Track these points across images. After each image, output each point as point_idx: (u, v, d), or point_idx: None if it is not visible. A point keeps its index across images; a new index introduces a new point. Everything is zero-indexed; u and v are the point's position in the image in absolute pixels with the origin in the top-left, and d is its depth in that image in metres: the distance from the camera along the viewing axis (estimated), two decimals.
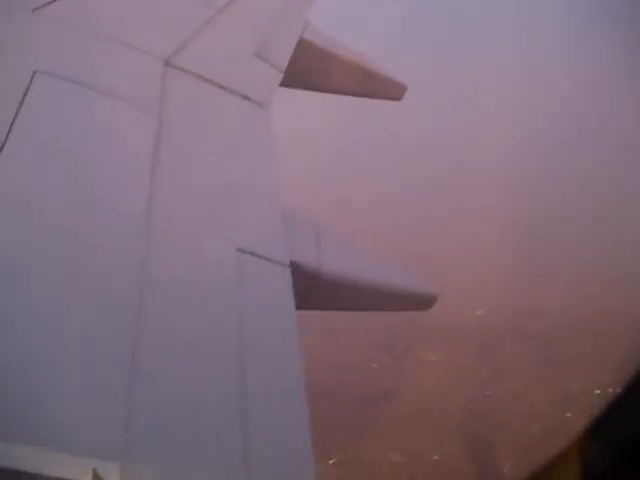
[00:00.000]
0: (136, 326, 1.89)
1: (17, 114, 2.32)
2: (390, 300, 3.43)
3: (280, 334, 2.29)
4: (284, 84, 3.95)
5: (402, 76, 5.82)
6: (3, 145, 2.16)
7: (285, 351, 2.23)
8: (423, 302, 3.56)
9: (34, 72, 2.56)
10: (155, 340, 1.92)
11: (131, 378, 1.75)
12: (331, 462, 8.76)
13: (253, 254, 2.46)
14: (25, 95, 2.42)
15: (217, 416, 1.87)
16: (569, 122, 15.36)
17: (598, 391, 8.86)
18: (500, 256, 11.91)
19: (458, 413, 9.94)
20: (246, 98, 3.40)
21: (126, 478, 1.51)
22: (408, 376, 10.53)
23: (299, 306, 2.47)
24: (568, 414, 9.12)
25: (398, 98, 5.87)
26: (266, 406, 1.98)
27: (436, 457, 9.28)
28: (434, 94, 15.18)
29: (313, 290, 2.83)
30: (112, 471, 1.50)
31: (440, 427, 9.73)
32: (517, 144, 14.66)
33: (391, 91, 5.81)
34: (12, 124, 2.26)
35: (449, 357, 10.78)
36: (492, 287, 11.44)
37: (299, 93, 5.14)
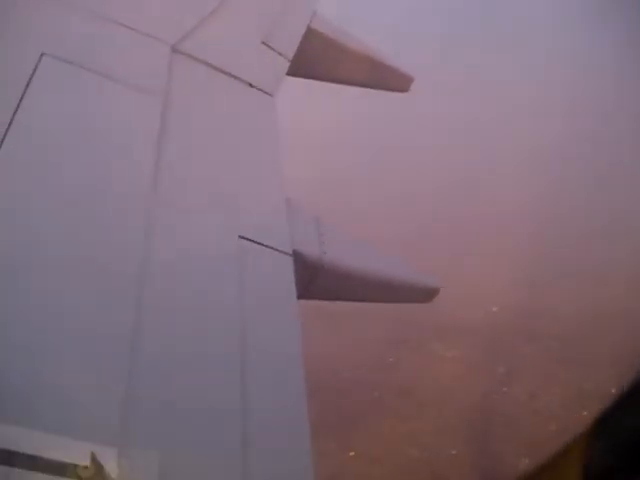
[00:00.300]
0: (137, 313, 1.89)
1: (23, 96, 2.31)
2: (392, 291, 3.43)
3: (281, 322, 2.30)
4: (291, 73, 3.94)
5: (411, 69, 5.82)
6: (9, 127, 2.16)
7: (286, 340, 2.23)
8: (425, 294, 3.57)
9: (41, 55, 2.56)
10: (156, 327, 1.92)
11: (131, 364, 1.75)
12: (351, 454, 8.83)
13: (256, 242, 2.46)
14: (31, 78, 2.42)
15: (216, 402, 1.88)
16: (583, 121, 15.30)
17: (614, 390, 8.83)
18: (516, 254, 11.88)
19: (474, 410, 9.94)
20: (252, 86, 3.39)
21: (124, 462, 1.52)
22: (423, 371, 10.54)
23: (300, 295, 2.47)
24: (584, 412, 9.10)
25: (405, 89, 5.86)
26: (266, 395, 1.99)
27: (454, 451, 9.32)
28: (448, 91, 15.15)
29: (315, 280, 2.83)
30: (110, 455, 1.50)
31: (455, 423, 9.75)
32: (532, 144, 14.61)
33: (398, 82, 5.80)
34: (18, 106, 2.26)
35: (464, 354, 10.78)
36: (507, 285, 11.43)
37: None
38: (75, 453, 1.47)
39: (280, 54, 3.89)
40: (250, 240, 2.44)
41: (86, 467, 1.46)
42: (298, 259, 2.58)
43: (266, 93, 3.42)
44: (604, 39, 15.56)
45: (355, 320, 10.17)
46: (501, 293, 11.37)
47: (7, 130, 2.15)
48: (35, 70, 2.46)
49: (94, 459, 1.47)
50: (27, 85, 2.37)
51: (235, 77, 3.35)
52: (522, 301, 11.32)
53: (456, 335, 10.94)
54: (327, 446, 8.28)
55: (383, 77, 5.72)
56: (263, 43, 3.87)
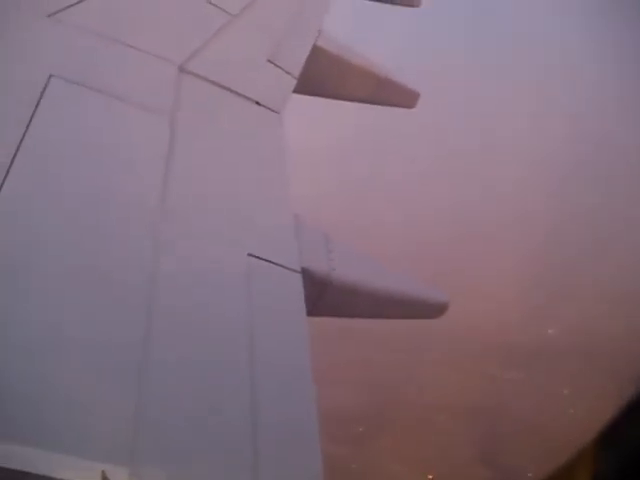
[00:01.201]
0: (146, 330, 1.89)
1: (32, 117, 2.33)
2: (401, 307, 3.42)
3: (291, 340, 2.29)
4: (298, 91, 3.96)
5: (418, 86, 5.84)
6: (18, 148, 2.18)
7: (296, 357, 2.22)
8: (434, 310, 3.55)
9: (49, 76, 2.58)
10: (165, 344, 1.92)
11: (140, 382, 1.75)
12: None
13: (264, 260, 2.46)
14: (40, 99, 2.44)
15: (227, 421, 1.87)
16: (587, 139, 15.30)
17: None
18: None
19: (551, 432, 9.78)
20: (259, 104, 3.40)
21: None
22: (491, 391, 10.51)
23: (309, 312, 2.46)
24: None
25: (411, 106, 5.88)
26: (277, 412, 1.98)
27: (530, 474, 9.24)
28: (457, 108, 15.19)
29: (323, 297, 2.82)
30: (121, 475, 1.50)
31: (540, 443, 9.65)
32: (541, 158, 14.62)
33: (404, 98, 5.82)
34: (28, 127, 2.28)
35: (530, 376, 10.71)
36: (565, 307, 11.37)
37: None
38: (86, 473, 1.47)
39: (286, 72, 3.91)
40: (259, 258, 2.44)
41: None
42: (307, 276, 2.58)
43: (273, 111, 3.44)
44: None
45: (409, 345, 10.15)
46: (554, 316, 11.30)
47: (17, 151, 2.16)
48: (44, 91, 2.49)
49: (105, 478, 1.47)
50: (36, 106, 2.39)
51: (242, 95, 3.37)
52: (574, 322, 11.26)
53: (517, 356, 10.88)
54: None
55: (389, 93, 5.74)
56: (269, 61, 3.89)
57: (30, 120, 2.32)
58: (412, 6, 6.74)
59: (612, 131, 15.15)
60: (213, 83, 3.30)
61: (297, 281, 2.49)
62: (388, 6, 6.91)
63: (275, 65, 3.89)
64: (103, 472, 1.47)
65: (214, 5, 4.06)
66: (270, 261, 2.47)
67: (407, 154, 14.45)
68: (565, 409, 10.26)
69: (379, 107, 6.00)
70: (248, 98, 3.39)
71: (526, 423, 10.18)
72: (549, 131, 15.50)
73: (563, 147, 14.91)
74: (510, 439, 9.92)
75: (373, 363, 10.63)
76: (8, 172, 2.07)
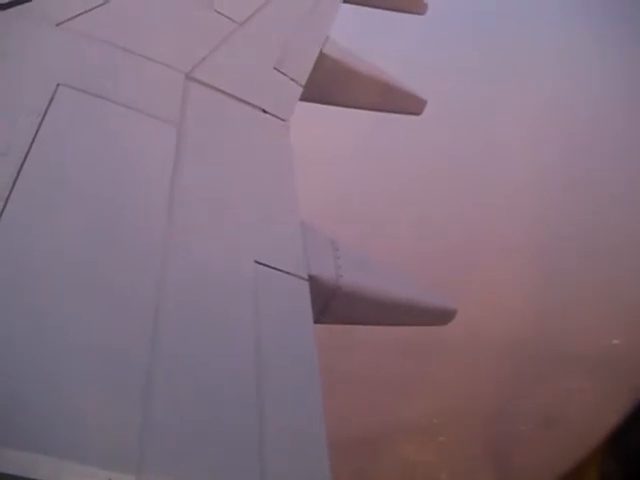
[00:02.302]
0: (153, 337, 1.89)
1: (40, 126, 2.34)
2: (408, 314, 3.41)
3: (299, 348, 2.28)
4: (304, 98, 3.96)
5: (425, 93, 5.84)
6: (27, 156, 2.18)
7: (304, 366, 2.22)
8: (442, 316, 3.54)
9: (57, 85, 2.59)
10: (171, 352, 1.92)
11: (147, 389, 1.75)
12: None
13: (272, 267, 2.45)
14: (48, 107, 2.45)
15: (233, 430, 1.86)
16: (596, 142, 15.27)
17: None
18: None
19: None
20: (265, 111, 3.41)
21: None
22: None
23: (317, 320, 2.46)
24: None
25: (418, 113, 5.88)
26: (284, 421, 1.97)
27: None
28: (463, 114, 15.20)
29: (331, 304, 2.82)
30: None
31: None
32: (546, 166, 14.60)
33: (411, 105, 5.82)
34: (35, 136, 2.29)
35: (593, 385, 10.69)
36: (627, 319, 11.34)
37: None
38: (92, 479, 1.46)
39: (293, 80, 3.92)
40: (266, 265, 2.44)
41: None
42: (314, 283, 2.57)
43: (280, 119, 3.44)
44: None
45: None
46: (622, 326, 11.26)
47: (25, 159, 2.17)
48: (52, 100, 2.50)
49: None
50: (44, 114, 2.40)
51: (248, 103, 3.38)
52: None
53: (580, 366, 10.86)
54: None
55: (396, 101, 5.75)
56: (275, 69, 3.90)
57: (38, 128, 2.33)
58: (418, 14, 6.76)
59: (614, 138, 15.14)
60: (220, 91, 3.31)
61: (304, 289, 2.49)
62: (390, 13, 6.94)
63: (281, 73, 3.90)
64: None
65: (220, 13, 4.08)
66: (277, 269, 2.47)
67: (412, 159, 14.44)
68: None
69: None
70: (255, 106, 3.40)
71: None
72: (554, 139, 15.49)
73: (566, 155, 14.90)
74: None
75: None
76: (16, 180, 2.08)
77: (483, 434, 10.03)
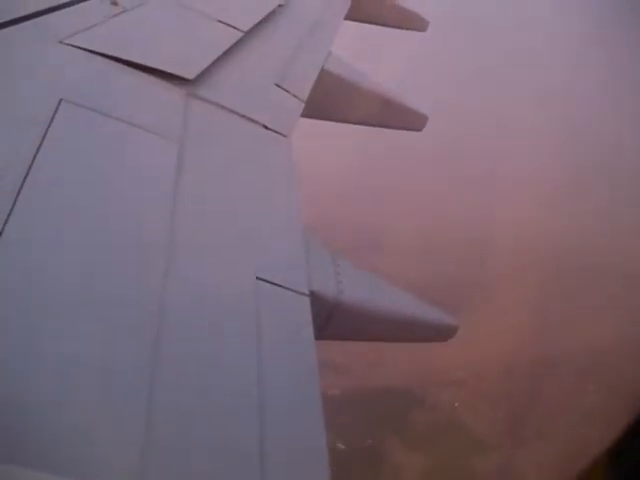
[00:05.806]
0: (154, 353, 1.89)
1: (42, 142, 2.34)
2: (410, 331, 3.40)
3: (299, 364, 2.28)
4: (306, 115, 3.97)
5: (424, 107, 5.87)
6: (29, 171, 2.19)
7: (304, 382, 2.21)
8: (443, 332, 3.53)
9: (60, 100, 2.60)
10: (173, 368, 1.91)
11: (149, 405, 1.74)
12: None
13: (273, 283, 2.45)
14: (51, 123, 2.46)
15: (235, 446, 1.85)
16: (602, 149, 15.32)
17: None
18: None
19: None
20: (267, 127, 3.42)
21: None
22: None
23: (318, 336, 2.45)
24: None
25: (419, 129, 5.91)
26: (285, 438, 1.97)
27: None
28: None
29: (331, 320, 2.81)
30: None
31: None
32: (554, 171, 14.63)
33: (413, 121, 5.84)
34: (37, 151, 2.29)
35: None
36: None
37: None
38: None
39: (294, 96, 3.93)
40: (267, 281, 2.43)
41: None
42: (315, 299, 2.57)
43: (281, 134, 3.45)
44: None
45: None
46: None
47: (27, 174, 2.17)
48: (54, 116, 2.50)
49: None
50: (46, 130, 2.41)
51: (250, 119, 3.39)
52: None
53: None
54: None
55: (398, 117, 5.77)
56: (277, 85, 3.92)
57: (40, 143, 2.33)
58: (420, 30, 6.81)
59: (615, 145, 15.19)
60: (221, 107, 3.32)
61: (305, 305, 2.48)
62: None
63: (283, 89, 3.91)
64: None
65: (222, 22, 4.09)
66: (279, 285, 2.46)
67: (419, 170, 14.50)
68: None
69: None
70: (256, 122, 3.41)
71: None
72: (563, 151, 15.53)
73: (576, 171, 14.95)
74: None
75: None
76: (18, 195, 2.08)
77: None
